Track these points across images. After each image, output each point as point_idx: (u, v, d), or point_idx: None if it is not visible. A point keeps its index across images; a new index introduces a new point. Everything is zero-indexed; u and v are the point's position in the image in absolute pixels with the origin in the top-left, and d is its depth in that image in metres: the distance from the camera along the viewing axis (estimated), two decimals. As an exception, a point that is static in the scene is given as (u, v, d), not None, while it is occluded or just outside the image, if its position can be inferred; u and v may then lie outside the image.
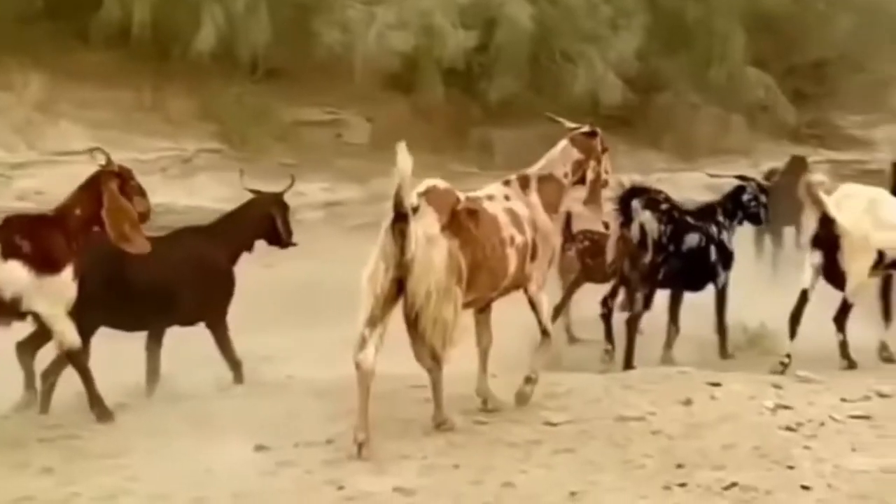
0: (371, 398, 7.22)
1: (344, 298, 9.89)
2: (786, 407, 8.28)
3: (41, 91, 15.06)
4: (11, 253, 7.77)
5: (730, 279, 11.31)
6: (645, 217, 10.55)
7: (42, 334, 8.24)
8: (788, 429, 7.86)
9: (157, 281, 8.87)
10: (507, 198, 7.98)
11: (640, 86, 18.26)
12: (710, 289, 11.23)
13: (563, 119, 8.71)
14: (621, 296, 11.09)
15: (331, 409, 7.99)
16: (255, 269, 10.12)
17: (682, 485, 6.83)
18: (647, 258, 10.59)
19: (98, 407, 8.06)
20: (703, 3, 18.75)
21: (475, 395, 8.16)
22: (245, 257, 9.81)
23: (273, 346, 10.26)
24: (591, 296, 11.94)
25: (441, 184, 7.62)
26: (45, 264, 7.81)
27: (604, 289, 11.52)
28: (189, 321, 9.33)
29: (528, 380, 8.25)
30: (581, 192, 8.49)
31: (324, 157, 16.46)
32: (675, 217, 10.83)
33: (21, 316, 8.02)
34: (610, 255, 10.88)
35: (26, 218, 8.22)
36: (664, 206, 10.76)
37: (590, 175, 8.40)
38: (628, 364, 10.39)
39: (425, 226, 7.25)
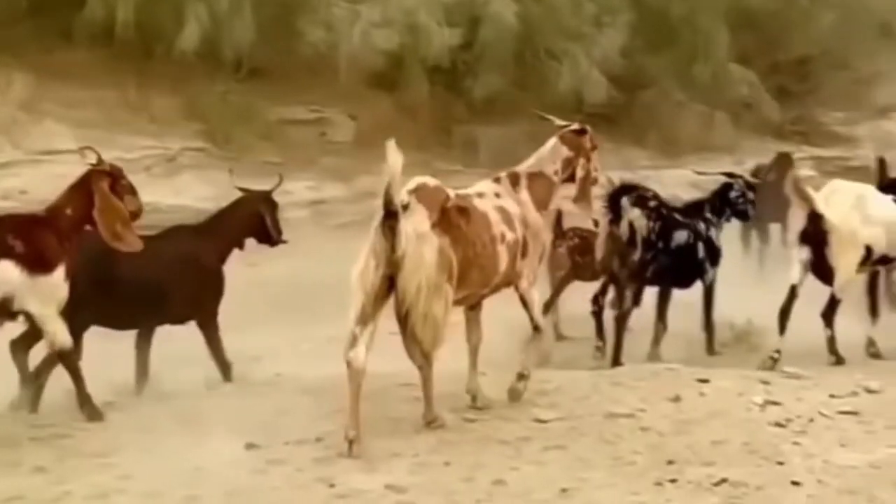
0: (361, 396, 7.21)
1: (330, 296, 9.90)
2: (774, 403, 8.33)
3: (25, 90, 14.99)
4: (4, 253, 7.73)
5: (717, 276, 11.32)
6: (634, 214, 10.57)
7: (35, 332, 8.21)
8: (777, 425, 7.92)
9: (148, 279, 8.86)
10: (497, 195, 7.99)
11: (625, 83, 18.25)
12: (697, 285, 11.25)
13: (553, 117, 8.73)
14: (612, 293, 11.10)
15: (320, 407, 8.00)
16: (240, 267, 10.11)
17: (673, 481, 6.86)
18: (637, 255, 10.60)
19: (88, 407, 8.05)
20: (687, 1, 18.74)
21: (465, 392, 8.16)
22: (230, 256, 9.80)
23: (260, 345, 10.26)
24: (578, 293, 11.97)
25: (431, 181, 7.63)
26: (37, 264, 7.79)
27: (591, 286, 11.54)
28: (180, 320, 9.33)
29: (521, 376, 8.27)
30: (570, 190, 8.51)
31: (308, 155, 16.43)
32: (663, 214, 10.85)
33: (12, 316, 8.00)
34: (599, 252, 10.90)
35: (19, 218, 8.19)
36: (653, 204, 10.78)
37: (579, 172, 8.41)
38: (616, 361, 10.42)
39: (415, 223, 7.26)
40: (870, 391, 8.77)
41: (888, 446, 7.53)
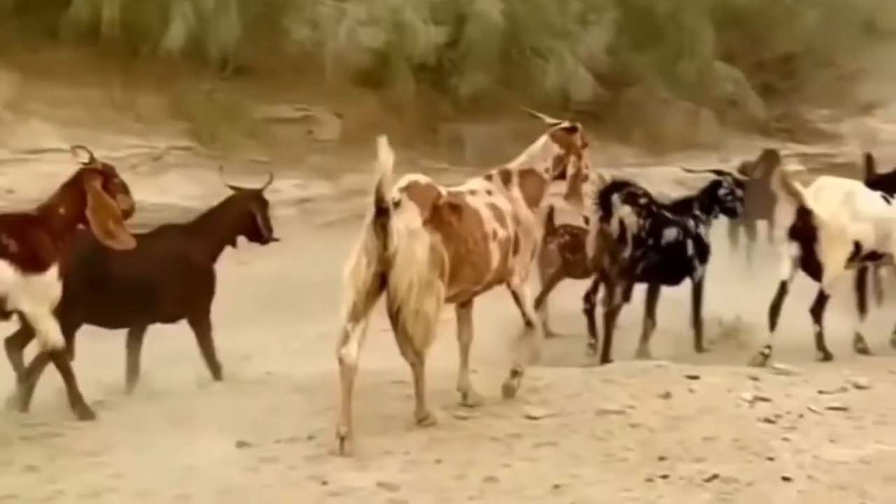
0: (353, 393, 7.20)
1: (317, 294, 9.92)
2: (764, 399, 8.38)
3: (11, 89, 14.93)
4: None
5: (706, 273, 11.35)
6: (624, 212, 10.57)
7: (29, 331, 8.19)
8: (767, 421, 7.96)
9: (140, 278, 8.86)
10: (489, 192, 8.02)
11: (611, 81, 18.24)
12: (685, 282, 11.26)
13: (543, 115, 8.75)
14: (603, 291, 11.11)
15: (312, 405, 8.00)
16: (227, 266, 10.09)
17: (665, 477, 6.89)
18: (627, 252, 10.61)
19: (79, 406, 8.04)
20: (673, -1, 18.81)
21: (456, 390, 8.17)
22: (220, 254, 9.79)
23: (250, 343, 10.25)
24: (567, 291, 11.99)
25: (422, 179, 7.65)
26: (30, 264, 7.78)
27: (579, 284, 11.57)
28: (171, 318, 9.34)
29: (515, 373, 8.30)
30: (561, 187, 8.53)
31: (295, 153, 16.40)
32: (653, 211, 10.87)
33: (6, 315, 7.99)
34: (590, 250, 10.91)
35: (12, 217, 8.16)
36: (643, 201, 10.79)
37: (570, 170, 8.44)
38: (606, 357, 10.44)
39: (407, 220, 7.26)
40: (858, 387, 8.83)
41: (877, 442, 7.58)
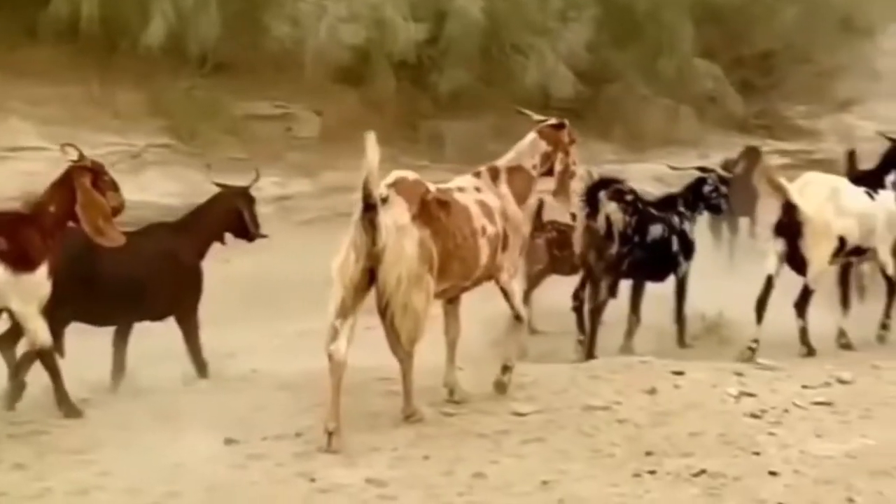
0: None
1: (296, 292, 9.90)
2: (749, 394, 8.41)
3: (-10, 88, 14.88)
4: None
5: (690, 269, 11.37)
6: (611, 208, 10.57)
7: (21, 328, 8.16)
8: (753, 416, 7.99)
9: (128, 276, 8.81)
10: (477, 189, 8.04)
11: (591, 78, 18.26)
12: (669, 278, 11.27)
13: (531, 112, 8.77)
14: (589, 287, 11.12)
15: (298, 402, 8.00)
16: (206, 263, 10.05)
17: (652, 472, 6.91)
18: (613, 249, 10.61)
19: (66, 405, 8.01)
20: (652, -5, 18.85)
21: (442, 386, 8.17)
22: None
23: (234, 341, 10.19)
24: (550, 288, 11.99)
25: (410, 175, 7.66)
26: (20, 262, 7.73)
27: (562, 281, 11.57)
28: (159, 316, 9.31)
29: (505, 368, 8.33)
30: (549, 184, 8.54)
31: (274, 151, 16.35)
32: (639, 208, 10.87)
33: None
34: (577, 246, 10.91)
35: (2, 216, 8.10)
36: (629, 198, 10.80)
37: (558, 167, 8.46)
38: (590, 354, 10.44)
39: (395, 215, 7.28)
40: (842, 382, 8.85)
41: (862, 436, 7.61)
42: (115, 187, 8.35)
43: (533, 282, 11.98)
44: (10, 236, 7.75)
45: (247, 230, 9.89)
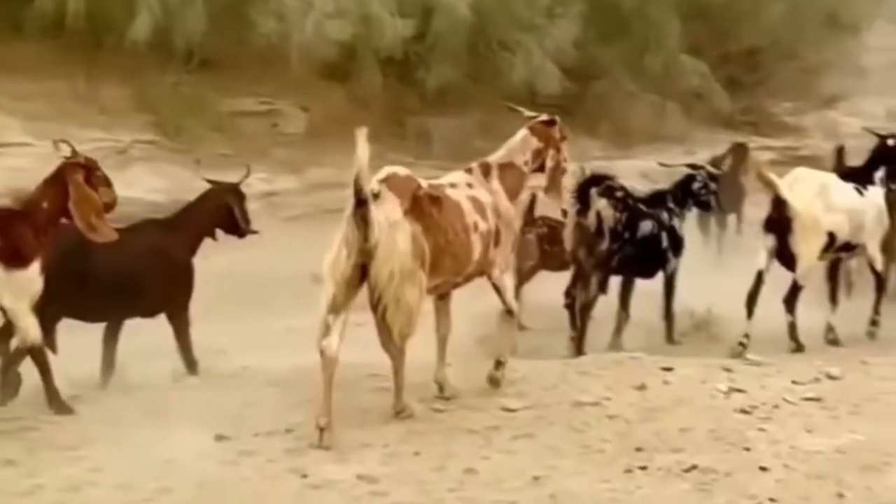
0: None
1: (283, 288, 9.86)
2: (738, 390, 8.43)
3: (-26, 84, 14.81)
4: None
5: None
6: (601, 205, 10.56)
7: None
8: (743, 412, 8.02)
9: (120, 272, 8.79)
10: (469, 185, 8.04)
11: (577, 74, 18.25)
12: (658, 274, 11.28)
13: (522, 108, 8.79)
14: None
15: (289, 398, 8.00)
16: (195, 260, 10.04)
17: (643, 468, 6.94)
18: (604, 245, 10.60)
19: (56, 402, 7.98)
20: (639, -8, 18.84)
21: (433, 382, 8.18)
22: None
23: (222, 337, 10.16)
24: (539, 285, 11.99)
25: (402, 170, 7.67)
26: (13, 259, 7.70)
27: (553, 278, 11.56)
28: (150, 313, 9.28)
29: (499, 363, 8.36)
30: (540, 180, 8.55)
31: (260, 147, 16.27)
32: (630, 205, 10.87)
33: None
34: (568, 243, 10.91)
35: None
36: (620, 194, 10.80)
37: (549, 163, 8.50)
38: (580, 349, 10.44)
39: (387, 211, 7.28)
40: (831, 377, 8.88)
41: (852, 432, 7.64)
42: (107, 183, 8.33)
43: (523, 277, 11.97)
44: (2, 232, 7.72)
45: (237, 226, 9.86)
